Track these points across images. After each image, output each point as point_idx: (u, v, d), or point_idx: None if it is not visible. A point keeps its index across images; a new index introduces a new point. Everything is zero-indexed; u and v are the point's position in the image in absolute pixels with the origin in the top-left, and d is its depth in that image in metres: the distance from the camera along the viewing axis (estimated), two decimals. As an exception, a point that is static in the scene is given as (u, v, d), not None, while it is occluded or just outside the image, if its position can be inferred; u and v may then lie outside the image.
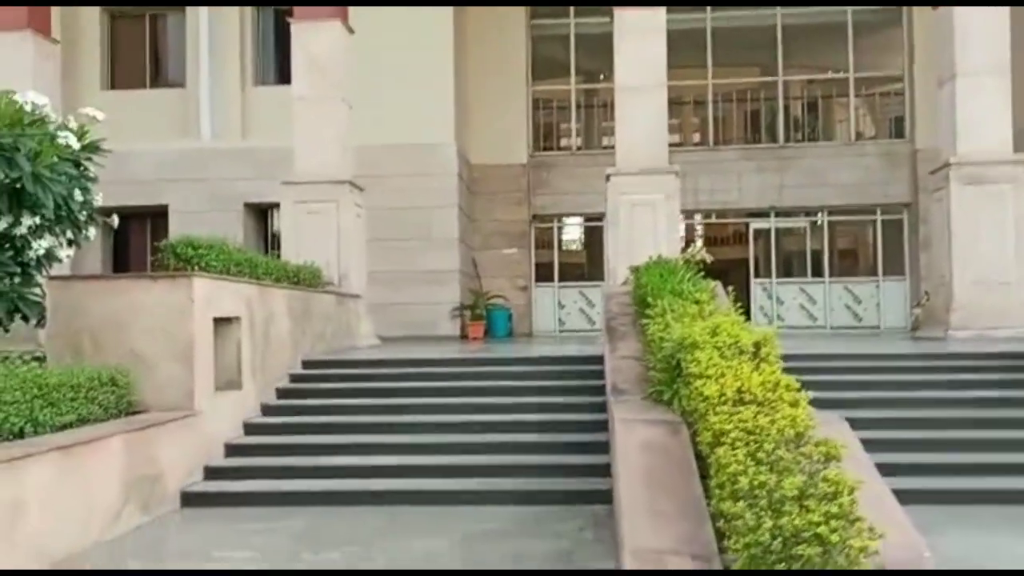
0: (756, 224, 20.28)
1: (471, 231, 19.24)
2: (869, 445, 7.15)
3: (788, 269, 20.23)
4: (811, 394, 7.80)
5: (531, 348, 13.16)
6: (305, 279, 11.05)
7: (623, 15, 12.39)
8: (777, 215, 20.02)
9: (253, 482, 7.15)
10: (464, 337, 17.26)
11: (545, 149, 20.80)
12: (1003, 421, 7.69)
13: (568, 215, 20.45)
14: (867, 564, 3.12)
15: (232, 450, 7.67)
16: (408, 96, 16.97)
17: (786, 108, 20.34)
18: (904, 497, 6.46)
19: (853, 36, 19.75)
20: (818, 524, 3.14)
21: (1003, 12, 11.97)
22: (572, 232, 21.33)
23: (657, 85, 12.37)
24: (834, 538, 3.10)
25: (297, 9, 12.55)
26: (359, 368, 9.73)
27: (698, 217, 23.13)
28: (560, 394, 8.64)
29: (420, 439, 7.74)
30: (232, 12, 17.99)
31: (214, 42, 17.92)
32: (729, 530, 3.48)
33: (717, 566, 3.75)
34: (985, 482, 6.71)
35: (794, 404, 4.04)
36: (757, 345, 4.75)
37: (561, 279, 20.08)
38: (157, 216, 17.97)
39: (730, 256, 27.56)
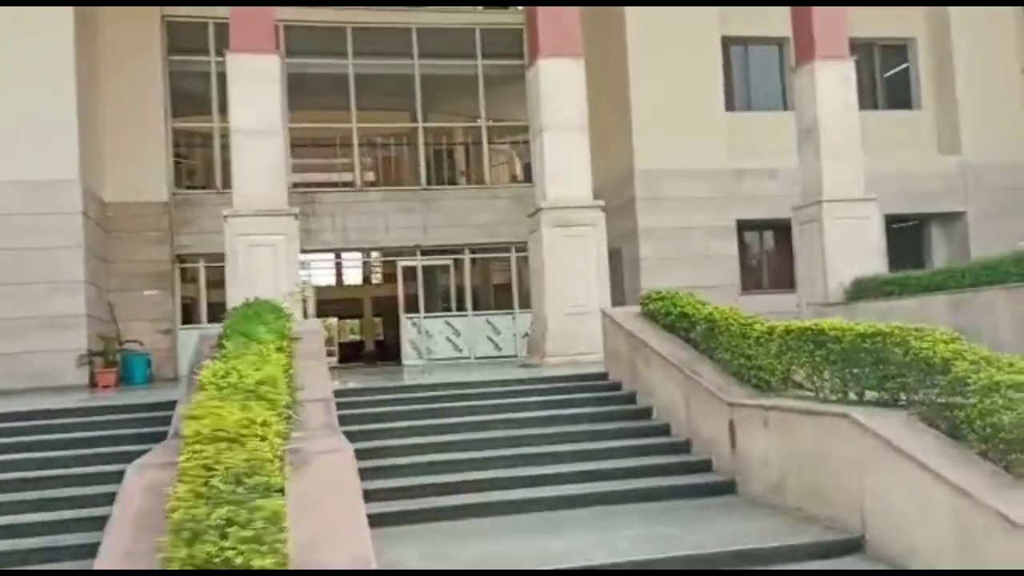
0: (404, 262, 21.15)
1: (104, 273, 18.20)
2: (416, 467, 7.89)
3: (435, 304, 21.27)
4: (376, 425, 8.38)
5: (149, 394, 12.71)
6: None
7: (235, 60, 12.53)
8: (423, 253, 21.00)
9: None
10: (94, 386, 16.25)
11: (189, 187, 20.29)
12: (544, 437, 8.71)
13: (216, 255, 20.00)
14: (272, 580, 3.49)
15: None
16: (24, 130, 15.78)
17: (427, 153, 21.50)
18: (453, 512, 7.21)
19: (485, 88, 21.37)
20: (227, 550, 3.47)
21: (581, 77, 13.63)
22: (221, 272, 20.88)
23: (272, 129, 12.63)
24: (239, 560, 3.44)
25: None
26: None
27: (356, 256, 23.74)
28: (148, 441, 8.49)
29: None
30: None
31: None
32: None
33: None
34: (520, 493, 7.53)
35: (263, 439, 4.39)
36: (259, 384, 5.08)
37: (210, 320, 19.53)
38: None
39: (383, 293, 28.37)
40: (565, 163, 13.40)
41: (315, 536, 4.41)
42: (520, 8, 21.25)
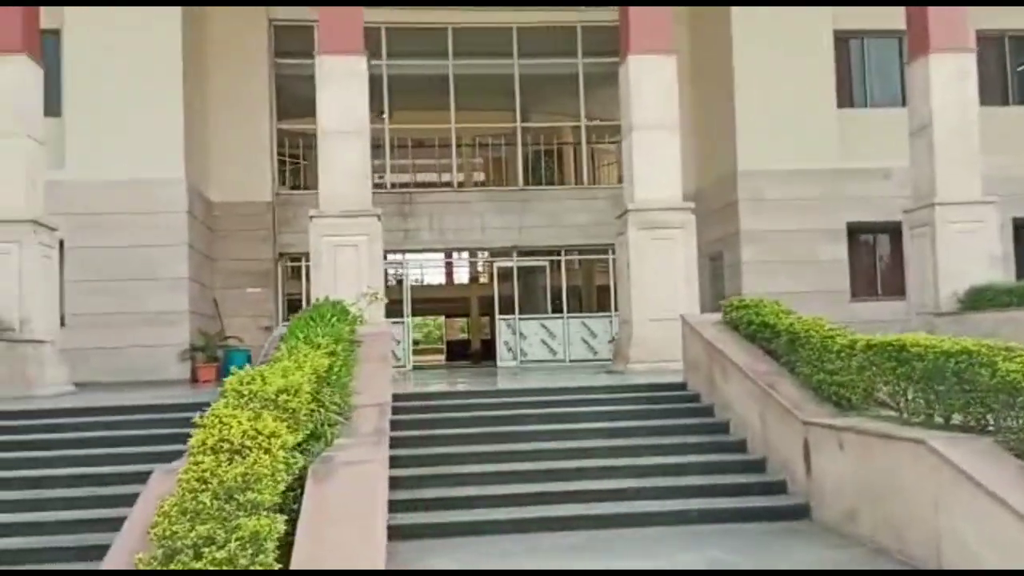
0: (500, 263, 21.03)
1: (209, 270, 18.80)
2: (468, 478, 7.66)
3: (530, 306, 21.05)
4: (435, 432, 8.20)
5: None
6: (-30, 325, 10.48)
7: (324, 61, 12.62)
8: (519, 254, 20.82)
9: None
10: (195, 380, 16.77)
11: (293, 187, 20.75)
12: (611, 449, 8.33)
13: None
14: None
15: None
16: (132, 131, 16.47)
17: (526, 153, 21.30)
18: (501, 526, 6.95)
19: (586, 87, 21.00)
20: (199, 570, 3.32)
21: (672, 74, 13.13)
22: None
23: (359, 130, 12.65)
24: (209, 582, 3.29)
25: (-23, 41, 11.96)
26: (19, 420, 9.24)
27: (463, 256, 23.80)
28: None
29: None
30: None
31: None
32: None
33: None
34: (576, 509, 7.19)
35: (267, 451, 4.23)
36: (279, 392, 4.94)
37: (312, 318, 19.87)
38: None
39: (479, 294, 28.35)
40: (654, 163, 12.92)
41: (321, 552, 4.23)
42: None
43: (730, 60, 18.40)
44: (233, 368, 5.63)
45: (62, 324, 14.62)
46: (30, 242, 11.79)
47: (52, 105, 16.15)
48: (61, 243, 14.57)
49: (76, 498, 7.23)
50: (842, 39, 19.10)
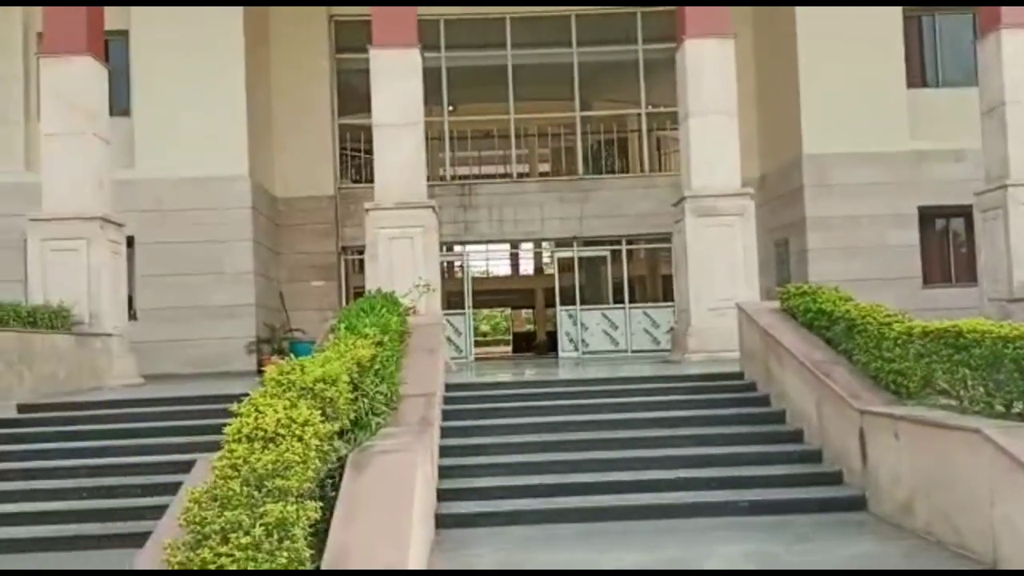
0: (560, 253, 20.96)
1: (275, 264, 19.17)
2: (516, 467, 7.64)
3: (591, 296, 20.93)
4: (485, 421, 8.21)
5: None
6: (43, 320, 10.86)
7: (378, 55, 12.72)
8: (580, 244, 20.71)
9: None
10: (261, 372, 17.11)
11: (356, 181, 21.01)
12: (664, 439, 8.22)
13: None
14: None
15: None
16: (198, 129, 16.86)
17: (585, 142, 21.16)
18: (543, 516, 6.92)
19: (648, 73, 20.74)
20: (223, 556, 3.38)
21: (730, 58, 12.86)
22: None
23: (414, 122, 12.72)
24: (233, 567, 3.34)
25: (47, 43, 12.37)
26: (82, 410, 9.57)
27: (527, 247, 23.82)
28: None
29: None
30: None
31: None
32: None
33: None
34: (625, 499, 7.12)
35: (300, 438, 4.28)
36: (315, 382, 4.99)
37: (375, 310, 20.10)
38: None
39: (538, 285, 28.25)
40: (712, 149, 12.69)
41: (353, 542, 4.26)
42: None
43: (794, 41, 17.98)
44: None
45: (134, 318, 15.11)
46: (98, 238, 12.17)
47: (122, 105, 16.73)
48: (132, 239, 15.05)
49: (130, 486, 7.46)
50: (912, 17, 18.49)
